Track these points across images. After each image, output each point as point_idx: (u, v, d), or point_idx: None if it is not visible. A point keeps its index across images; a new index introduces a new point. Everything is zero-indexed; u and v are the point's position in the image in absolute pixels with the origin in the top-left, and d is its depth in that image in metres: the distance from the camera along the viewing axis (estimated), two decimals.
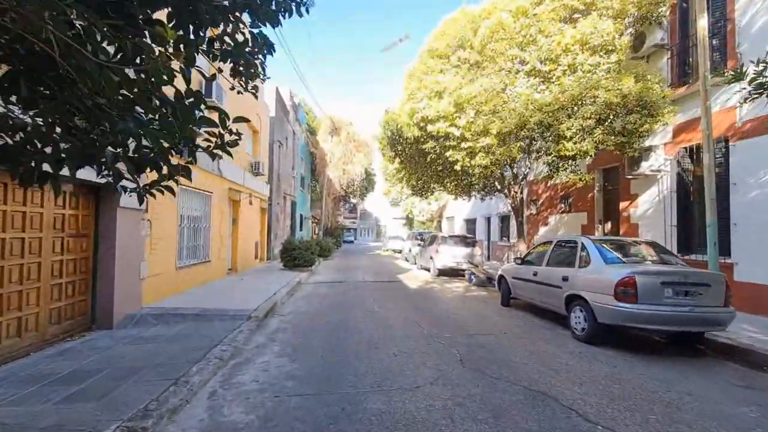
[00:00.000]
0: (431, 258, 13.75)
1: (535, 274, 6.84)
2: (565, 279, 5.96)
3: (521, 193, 12.28)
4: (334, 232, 32.34)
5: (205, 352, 4.55)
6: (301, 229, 26.93)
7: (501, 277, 8.38)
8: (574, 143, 8.21)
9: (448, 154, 9.72)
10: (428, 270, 14.81)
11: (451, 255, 13.23)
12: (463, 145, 9.25)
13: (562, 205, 13.27)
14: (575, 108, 8.28)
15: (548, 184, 14.11)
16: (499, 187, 12.74)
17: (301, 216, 27.09)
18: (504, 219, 18.93)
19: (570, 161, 9.05)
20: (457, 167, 9.71)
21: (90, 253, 5.60)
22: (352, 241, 53.01)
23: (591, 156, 8.31)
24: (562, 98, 8.30)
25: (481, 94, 8.91)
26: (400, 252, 29.02)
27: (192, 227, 9.00)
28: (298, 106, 25.30)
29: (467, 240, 13.92)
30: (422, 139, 10.50)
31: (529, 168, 11.80)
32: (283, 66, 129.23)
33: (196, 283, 8.88)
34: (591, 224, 11.60)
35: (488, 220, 20.95)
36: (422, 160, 12.15)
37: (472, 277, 11.70)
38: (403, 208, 30.06)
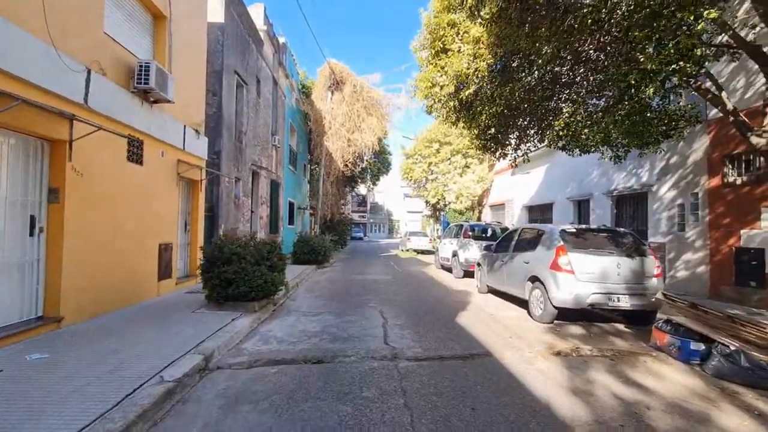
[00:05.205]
0: (537, 281, 6.08)
1: None
2: None
3: None
4: (337, 227, 24.76)
5: None
6: (292, 223, 19.37)
7: None
8: None
9: None
10: (508, 296, 7.20)
11: (597, 274, 5.55)
12: None
13: None
14: None
15: None
16: (730, 107, 5.07)
17: (292, 205, 19.53)
18: (625, 201, 11.04)
19: None
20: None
21: None
22: (361, 238, 45.87)
23: None
24: None
25: None
26: (425, 253, 21.55)
27: None
28: (284, 47, 17.73)
29: (623, 240, 6.17)
30: None
31: None
32: None
33: None
34: None
35: (580, 205, 13.08)
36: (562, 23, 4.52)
37: (694, 345, 4.04)
38: (432, 193, 22.21)
